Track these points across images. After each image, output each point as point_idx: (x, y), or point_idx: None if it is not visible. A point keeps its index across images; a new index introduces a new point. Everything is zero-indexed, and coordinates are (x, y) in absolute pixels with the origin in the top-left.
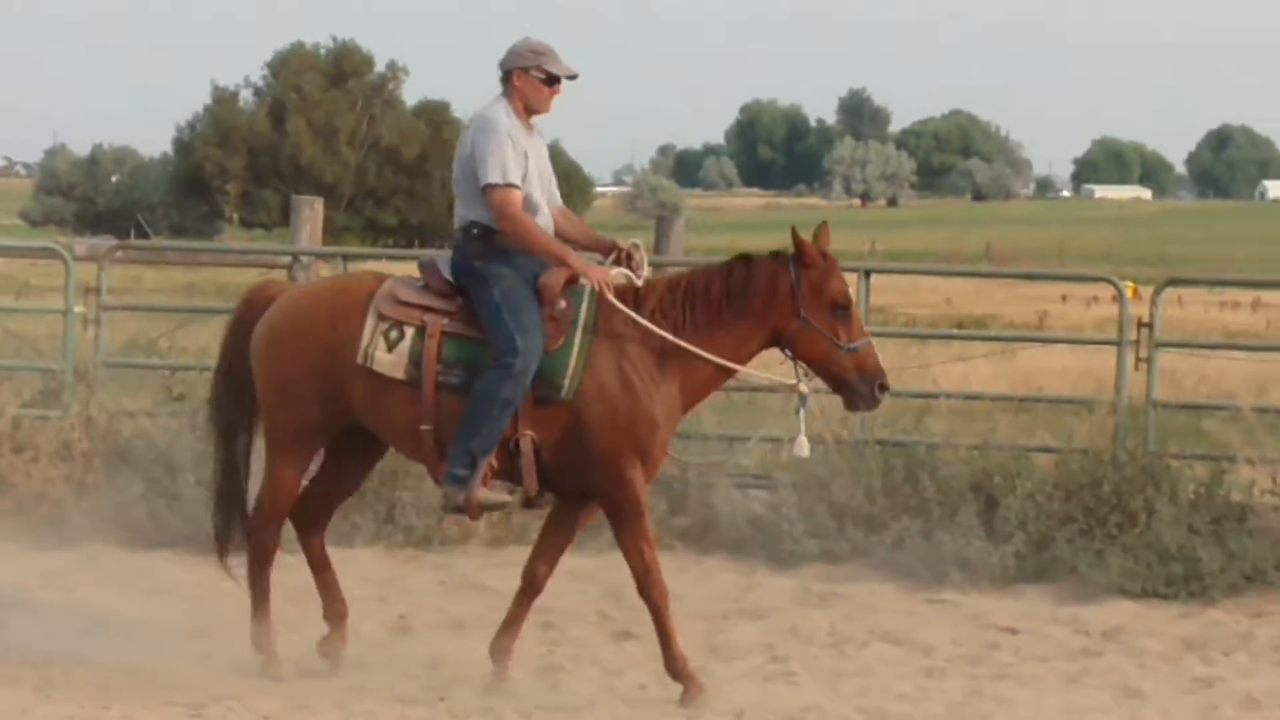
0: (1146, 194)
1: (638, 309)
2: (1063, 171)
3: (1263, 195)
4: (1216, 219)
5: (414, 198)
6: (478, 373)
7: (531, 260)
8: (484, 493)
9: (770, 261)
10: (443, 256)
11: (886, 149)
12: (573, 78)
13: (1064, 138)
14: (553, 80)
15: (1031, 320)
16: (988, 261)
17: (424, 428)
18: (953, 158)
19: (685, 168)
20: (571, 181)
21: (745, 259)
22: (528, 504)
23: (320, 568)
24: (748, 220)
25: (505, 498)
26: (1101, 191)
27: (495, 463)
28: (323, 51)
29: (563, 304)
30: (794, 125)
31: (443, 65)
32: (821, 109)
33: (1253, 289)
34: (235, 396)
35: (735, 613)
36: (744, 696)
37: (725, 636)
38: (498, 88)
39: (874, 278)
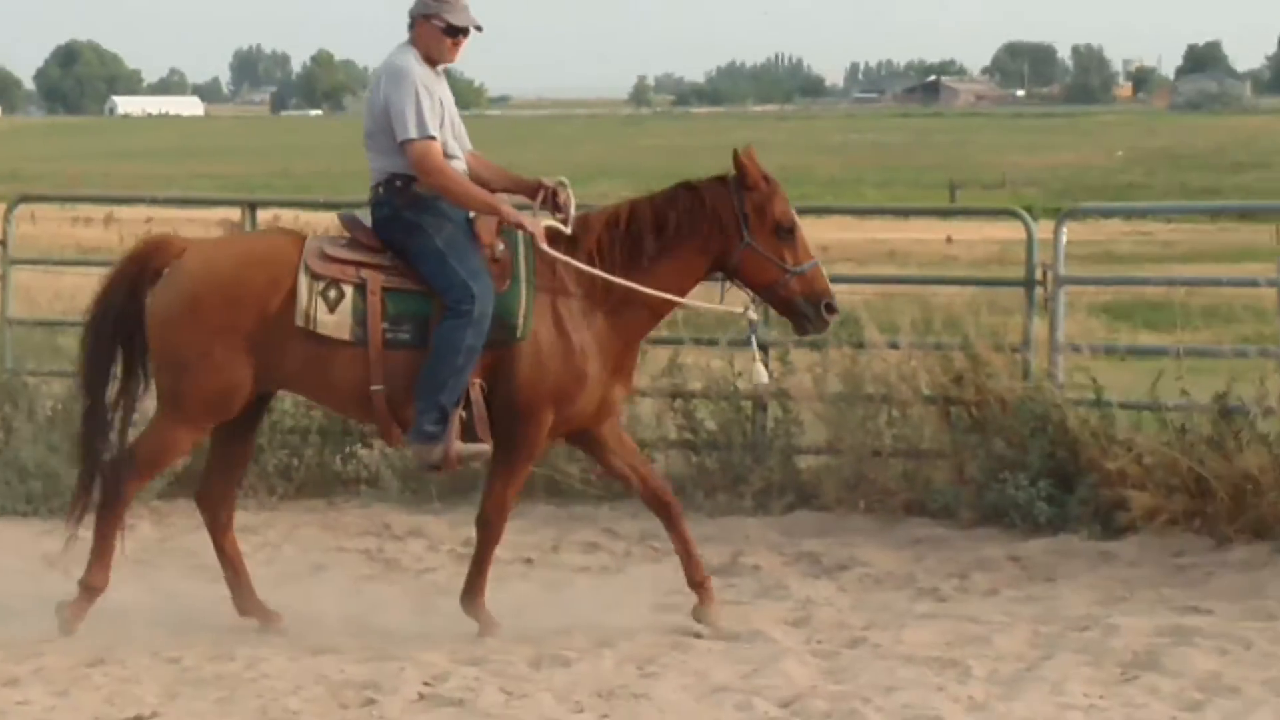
0: None
1: (573, 249)
2: None
3: (112, 111)
4: (67, 135)
5: None
6: (424, 326)
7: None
8: (459, 445)
9: (713, 186)
10: (362, 211)
11: None
12: (478, 29)
13: None
14: (454, 31)
15: None
16: None
17: (375, 388)
18: None
19: None
20: None
21: (687, 186)
22: None
23: (232, 560)
24: None
25: (483, 447)
26: None
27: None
28: None
29: (501, 246)
30: None
31: None
32: None
33: (105, 204)
34: (110, 350)
35: None
36: None
37: None
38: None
39: None
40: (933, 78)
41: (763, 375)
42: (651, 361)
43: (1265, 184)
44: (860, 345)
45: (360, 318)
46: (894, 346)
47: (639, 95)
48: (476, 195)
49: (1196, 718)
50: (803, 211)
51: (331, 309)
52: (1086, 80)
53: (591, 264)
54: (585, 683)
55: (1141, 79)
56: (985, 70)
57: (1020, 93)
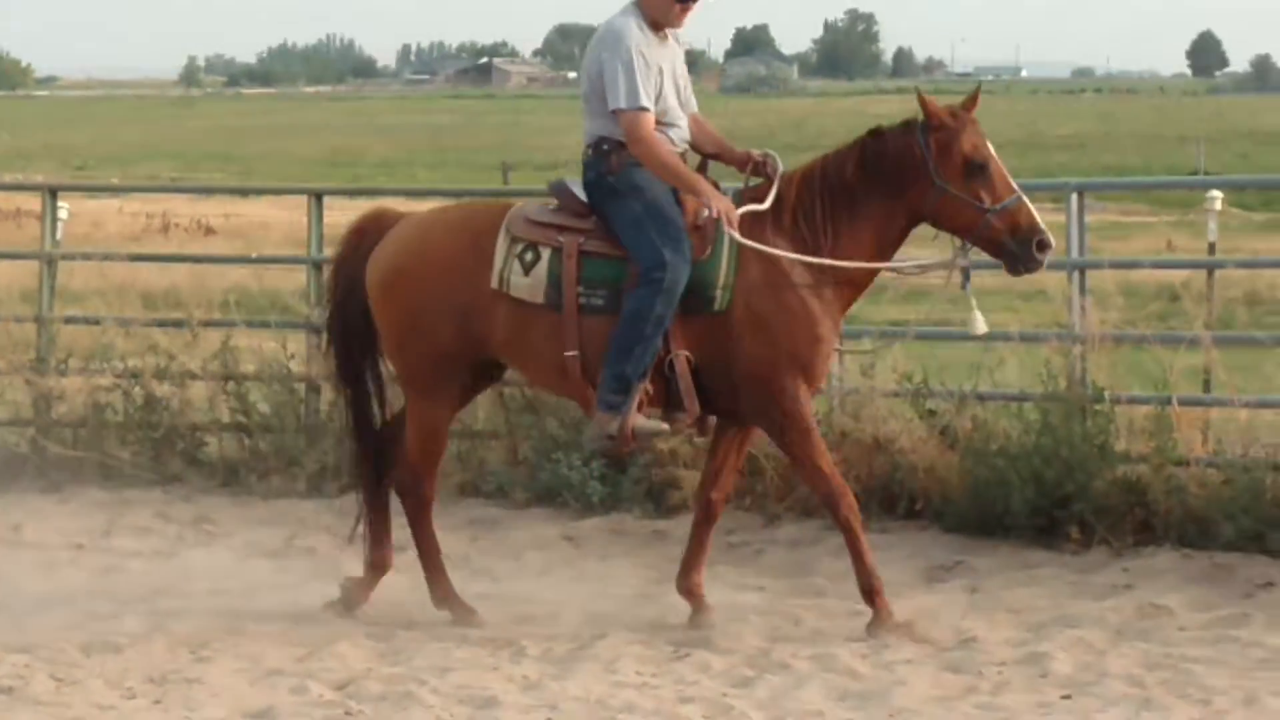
0: None
1: (776, 216)
2: None
3: None
4: None
5: None
6: (621, 293)
7: None
8: (639, 420)
9: (899, 131)
10: (572, 178)
11: None
12: None
13: None
14: None
15: None
16: None
17: (569, 354)
18: None
19: None
20: None
21: (876, 133)
22: (701, 430)
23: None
24: None
25: (662, 425)
26: None
27: (650, 388)
28: None
29: (706, 213)
30: None
31: None
32: None
33: None
34: (354, 331)
35: None
36: None
37: None
38: None
39: None
40: (485, 59)
41: (981, 325)
42: (204, 344)
43: None
44: None
45: (555, 281)
46: None
47: (189, 76)
48: (677, 170)
49: (747, 694)
50: (355, 194)
51: (526, 272)
52: None
53: (796, 229)
54: (137, 668)
55: (691, 61)
56: (537, 52)
57: (572, 75)
